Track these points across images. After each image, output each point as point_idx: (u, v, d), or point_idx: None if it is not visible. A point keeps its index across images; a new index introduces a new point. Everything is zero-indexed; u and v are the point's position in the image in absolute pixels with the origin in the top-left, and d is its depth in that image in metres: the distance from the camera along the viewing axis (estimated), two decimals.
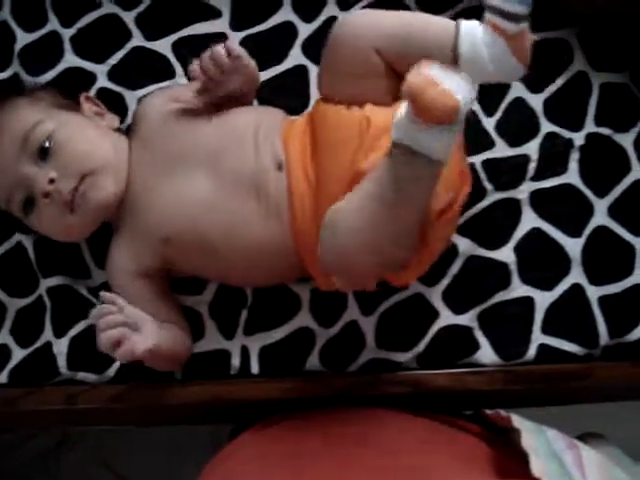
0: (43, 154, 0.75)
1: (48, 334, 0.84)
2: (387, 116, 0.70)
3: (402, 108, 0.62)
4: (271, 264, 0.77)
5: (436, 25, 0.69)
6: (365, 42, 0.70)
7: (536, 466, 0.58)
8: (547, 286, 0.83)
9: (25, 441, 1.28)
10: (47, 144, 0.75)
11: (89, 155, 0.76)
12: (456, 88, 0.58)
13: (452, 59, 0.65)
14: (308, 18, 0.89)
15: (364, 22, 0.72)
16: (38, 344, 0.84)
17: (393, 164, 0.63)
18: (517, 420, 0.69)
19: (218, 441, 0.78)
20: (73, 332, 0.84)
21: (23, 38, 0.91)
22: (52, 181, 0.74)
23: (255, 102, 0.87)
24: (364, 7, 0.88)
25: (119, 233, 0.80)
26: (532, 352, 0.82)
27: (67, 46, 0.89)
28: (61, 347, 0.83)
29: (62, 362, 0.83)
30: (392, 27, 0.70)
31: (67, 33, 0.90)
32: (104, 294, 0.74)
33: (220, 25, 0.90)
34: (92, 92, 0.88)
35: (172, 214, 0.76)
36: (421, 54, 0.62)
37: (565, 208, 0.84)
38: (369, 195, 0.65)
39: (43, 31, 0.90)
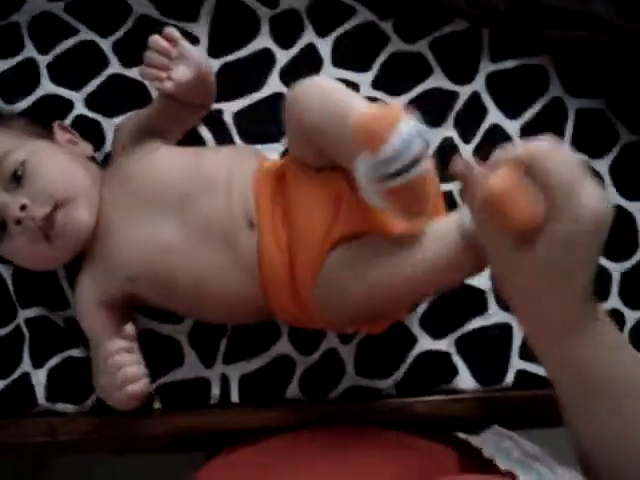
0: (15, 181, 0.74)
1: (26, 365, 0.84)
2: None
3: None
4: (239, 311, 0.77)
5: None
6: (299, 126, 0.69)
7: (502, 464, 0.60)
8: None
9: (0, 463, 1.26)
10: (19, 171, 0.74)
11: (61, 182, 0.75)
12: None
13: None
14: (286, 45, 0.88)
15: (296, 106, 0.69)
16: (16, 375, 0.83)
17: None
18: (475, 440, 0.70)
19: (196, 463, 0.78)
20: (52, 363, 0.83)
21: None
22: (24, 207, 0.73)
23: (237, 139, 0.86)
24: (339, 36, 0.87)
25: (88, 262, 0.79)
26: (510, 378, 0.83)
27: (44, 73, 0.89)
28: (40, 378, 0.83)
29: (40, 393, 0.83)
30: (315, 119, 0.66)
31: (44, 60, 0.89)
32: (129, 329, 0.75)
33: None
34: (69, 120, 0.87)
35: (137, 255, 0.75)
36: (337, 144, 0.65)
37: None
38: (373, 262, 0.67)
39: (19, 58, 0.89)
